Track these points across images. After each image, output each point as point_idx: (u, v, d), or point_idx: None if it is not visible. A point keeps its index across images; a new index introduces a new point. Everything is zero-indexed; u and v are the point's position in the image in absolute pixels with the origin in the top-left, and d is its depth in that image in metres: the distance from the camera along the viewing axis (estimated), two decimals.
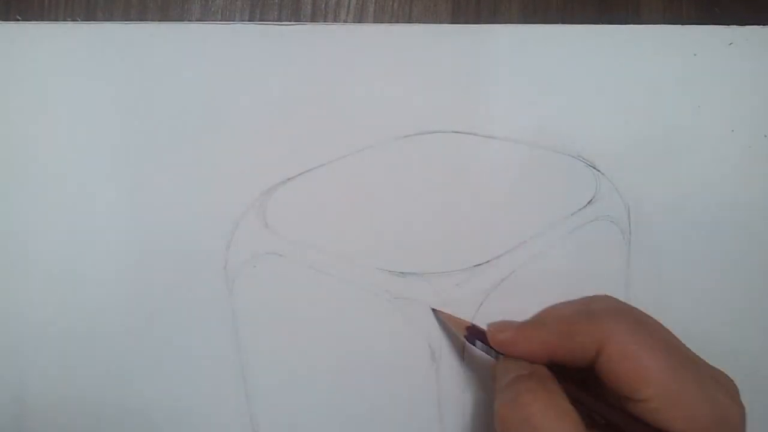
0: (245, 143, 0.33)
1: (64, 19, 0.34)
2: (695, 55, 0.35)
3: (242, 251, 0.32)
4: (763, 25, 0.35)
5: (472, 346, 0.30)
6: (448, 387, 0.32)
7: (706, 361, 0.27)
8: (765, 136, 0.34)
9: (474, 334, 0.30)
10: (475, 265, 0.32)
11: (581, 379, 0.27)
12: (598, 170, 0.34)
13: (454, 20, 0.35)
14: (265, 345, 0.32)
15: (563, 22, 0.35)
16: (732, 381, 0.27)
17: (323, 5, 0.35)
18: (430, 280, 0.32)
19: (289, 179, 0.33)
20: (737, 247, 0.34)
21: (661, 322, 0.33)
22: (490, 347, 0.29)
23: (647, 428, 0.25)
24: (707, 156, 0.34)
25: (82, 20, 0.34)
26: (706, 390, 0.25)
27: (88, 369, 0.33)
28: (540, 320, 0.29)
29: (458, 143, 0.34)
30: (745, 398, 0.26)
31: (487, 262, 0.33)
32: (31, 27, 0.34)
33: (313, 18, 0.35)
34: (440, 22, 0.35)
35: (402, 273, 0.32)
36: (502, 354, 0.28)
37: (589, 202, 0.33)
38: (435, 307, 0.32)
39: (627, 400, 0.25)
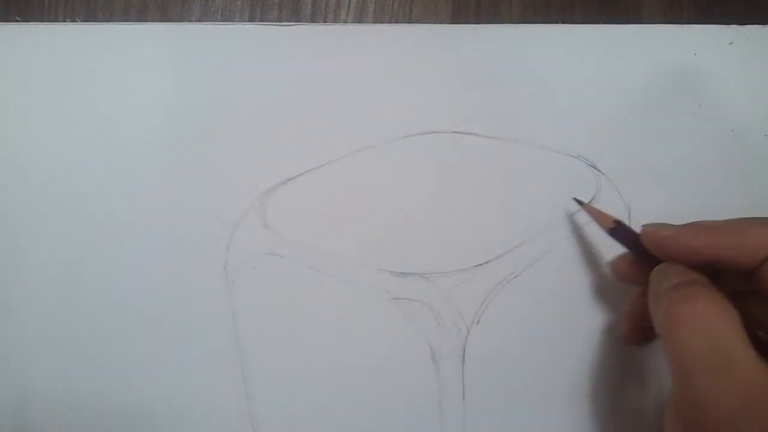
0: (245, 143, 0.33)
1: (64, 20, 0.34)
2: (695, 54, 0.35)
3: (242, 252, 0.32)
4: (764, 24, 0.35)
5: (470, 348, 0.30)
6: (448, 387, 0.32)
7: None
8: (765, 135, 0.34)
9: (621, 231, 0.29)
10: (475, 265, 0.32)
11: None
12: (598, 170, 0.34)
13: (454, 20, 0.35)
14: (265, 345, 0.32)
15: (564, 23, 0.35)
16: None
17: (323, 5, 0.35)
18: (430, 280, 0.32)
19: (288, 179, 0.33)
20: None
21: None
22: (641, 251, 0.28)
23: None
24: (707, 156, 0.34)
25: (81, 21, 0.34)
26: None
27: (88, 369, 0.33)
28: (703, 224, 0.27)
29: (458, 143, 0.34)
30: None
31: (487, 262, 0.33)
32: (30, 28, 0.34)
33: (313, 18, 0.35)
34: (440, 22, 0.35)
35: (402, 273, 0.32)
36: (654, 258, 0.28)
37: (589, 202, 0.33)
38: (578, 198, 0.32)
39: None
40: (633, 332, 0.31)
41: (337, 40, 0.34)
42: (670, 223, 0.28)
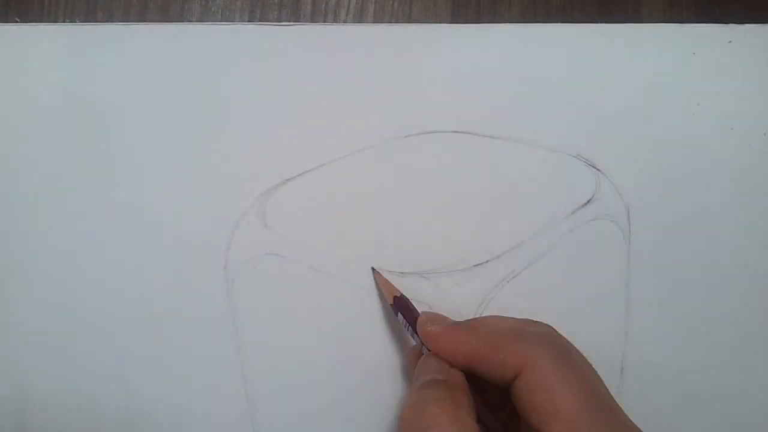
0: (245, 144, 0.33)
1: (64, 21, 0.34)
2: (694, 53, 0.35)
3: (242, 252, 0.32)
4: (762, 23, 0.35)
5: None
6: None
7: (629, 418, 0.26)
8: (764, 134, 0.34)
9: (400, 306, 0.30)
10: (474, 265, 0.32)
11: (499, 397, 0.27)
12: (598, 169, 0.34)
13: (454, 20, 0.35)
14: (265, 345, 0.32)
15: (563, 22, 0.35)
16: None
17: (323, 5, 0.35)
18: (430, 279, 0.32)
19: (288, 179, 0.33)
20: (737, 246, 0.34)
21: (663, 320, 0.33)
22: (416, 333, 0.29)
23: None
24: (707, 155, 0.34)
25: (81, 21, 0.34)
26: None
27: (89, 369, 0.33)
28: (472, 326, 0.28)
29: (458, 143, 0.34)
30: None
31: (487, 261, 0.33)
32: (30, 28, 0.34)
33: (313, 18, 0.35)
34: (440, 22, 0.35)
35: (402, 273, 0.32)
36: (424, 346, 0.28)
37: (588, 202, 0.33)
38: (375, 267, 0.32)
39: (533, 430, 0.25)
40: None
41: (337, 40, 0.34)
42: (448, 318, 0.29)
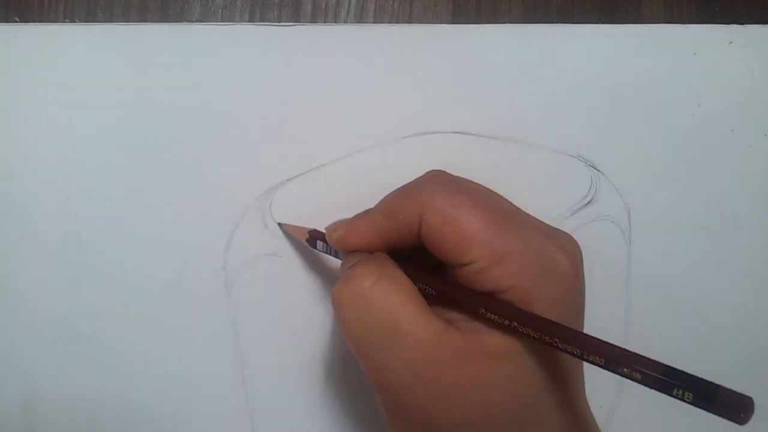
0: (244, 144, 0.33)
1: (64, 20, 0.34)
2: (695, 54, 0.35)
3: (241, 253, 0.32)
4: (763, 24, 0.35)
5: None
6: None
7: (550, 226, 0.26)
8: (765, 135, 0.34)
9: (315, 237, 0.30)
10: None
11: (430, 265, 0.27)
12: (598, 170, 0.34)
13: (454, 20, 0.35)
14: (265, 347, 0.32)
15: (563, 22, 0.35)
16: (571, 237, 0.26)
17: (323, 5, 0.35)
18: None
19: (288, 180, 0.33)
20: (737, 247, 0.34)
21: (663, 320, 0.33)
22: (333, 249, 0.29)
23: (472, 292, 0.24)
24: (707, 155, 0.34)
25: (81, 21, 0.34)
26: (530, 242, 0.24)
27: (89, 371, 0.32)
28: (370, 209, 0.28)
29: (457, 144, 0.34)
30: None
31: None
32: (30, 28, 0.34)
33: (313, 18, 0.35)
34: (440, 22, 0.35)
35: None
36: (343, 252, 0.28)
37: (589, 202, 0.33)
38: (280, 221, 0.32)
39: (457, 267, 0.24)
40: None
41: (337, 40, 0.34)
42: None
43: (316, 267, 0.33)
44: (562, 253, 0.25)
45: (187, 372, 0.32)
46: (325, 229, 0.29)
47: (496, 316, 0.23)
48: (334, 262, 0.32)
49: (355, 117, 0.33)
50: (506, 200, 0.27)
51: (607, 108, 0.34)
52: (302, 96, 0.33)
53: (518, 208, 0.26)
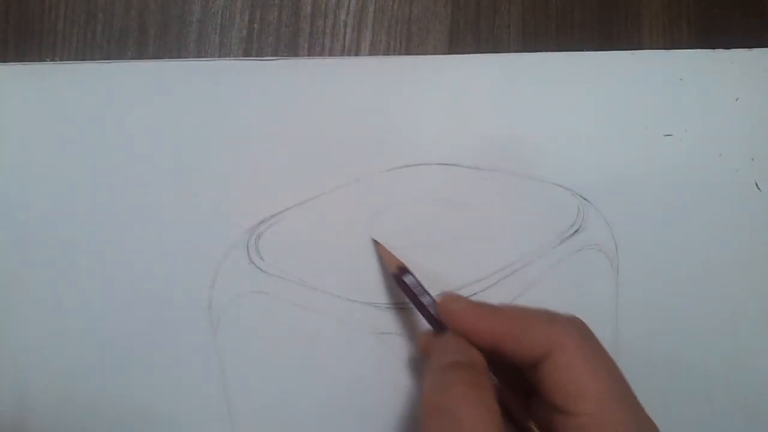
0: (228, 180, 0.33)
1: (63, 27, 0.34)
2: (681, 79, 0.34)
3: (227, 290, 0.32)
4: (755, 47, 0.35)
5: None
6: None
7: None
8: (752, 159, 0.34)
9: (402, 274, 0.29)
10: None
11: (513, 379, 0.27)
12: (585, 199, 0.34)
13: (454, 20, 0.35)
14: (252, 385, 0.32)
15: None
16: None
17: (323, 5, 0.35)
18: (418, 313, 0.32)
19: (272, 216, 0.33)
20: (726, 273, 0.34)
21: (652, 350, 0.33)
22: (432, 319, 0.28)
23: None
24: (695, 180, 0.34)
25: (81, 26, 0.34)
26: (637, 425, 0.25)
27: (76, 413, 0.32)
28: (497, 307, 0.28)
29: (444, 175, 0.33)
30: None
31: (474, 294, 0.32)
32: (16, 68, 0.34)
33: (313, 18, 0.35)
34: (440, 22, 0.35)
35: (388, 307, 0.32)
36: (440, 328, 0.28)
37: (576, 231, 0.33)
38: (374, 238, 0.32)
39: (556, 410, 0.25)
40: None
41: (320, 74, 0.33)
42: (469, 299, 0.29)
43: (303, 304, 0.32)
44: None
45: (174, 413, 0.32)
46: (443, 293, 0.29)
47: None
48: (319, 304, 0.31)
49: (338, 152, 0.33)
50: (625, 379, 0.26)
51: (593, 135, 0.34)
52: (285, 132, 0.33)
53: (631, 390, 0.26)
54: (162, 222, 0.32)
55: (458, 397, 0.24)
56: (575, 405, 0.24)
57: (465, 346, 0.27)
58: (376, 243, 0.32)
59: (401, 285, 0.30)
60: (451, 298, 0.28)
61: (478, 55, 0.35)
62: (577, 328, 0.26)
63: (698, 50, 0.35)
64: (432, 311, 0.29)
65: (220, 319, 0.32)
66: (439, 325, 0.28)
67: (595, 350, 0.26)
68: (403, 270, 0.30)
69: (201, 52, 0.35)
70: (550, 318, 0.27)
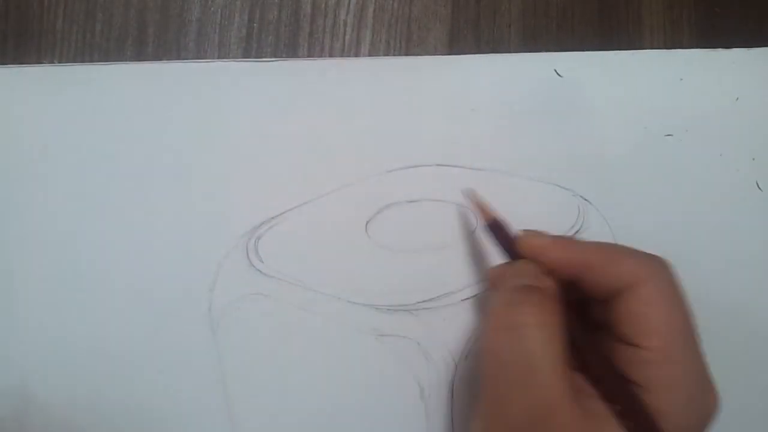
0: (228, 182, 0.33)
1: (62, 27, 0.34)
2: (681, 79, 0.34)
3: (226, 293, 0.32)
4: (754, 47, 0.34)
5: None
6: (436, 425, 0.32)
7: None
8: (753, 159, 0.34)
9: (495, 229, 0.29)
10: (462, 300, 0.32)
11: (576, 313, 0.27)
12: (585, 199, 0.33)
13: (454, 20, 0.35)
14: (252, 388, 0.32)
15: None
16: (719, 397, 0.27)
17: (323, 4, 0.35)
18: (418, 315, 0.32)
19: (272, 218, 0.33)
20: (727, 273, 0.34)
21: None
22: (513, 252, 0.28)
23: (622, 386, 0.25)
24: (696, 180, 0.34)
25: (80, 27, 0.34)
26: (703, 374, 0.25)
27: (77, 406, 0.32)
28: (578, 240, 0.28)
29: (446, 176, 0.33)
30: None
31: (474, 296, 0.32)
32: (19, 70, 0.34)
33: (313, 17, 0.35)
34: (440, 21, 0.35)
35: (389, 309, 0.32)
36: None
37: (576, 232, 0.33)
38: (465, 190, 0.31)
39: (624, 341, 0.25)
40: None
41: (318, 76, 0.33)
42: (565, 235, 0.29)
43: (303, 306, 0.32)
44: (715, 409, 0.25)
45: (175, 416, 0.32)
46: (524, 230, 0.29)
47: (626, 423, 0.24)
48: (319, 306, 0.31)
49: (338, 153, 0.33)
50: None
51: (593, 135, 0.34)
52: (285, 133, 0.33)
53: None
54: (161, 225, 0.32)
55: (527, 314, 0.25)
56: (646, 339, 0.24)
57: (538, 272, 0.27)
58: (469, 193, 0.31)
59: (493, 232, 0.29)
60: (533, 232, 0.28)
61: (478, 55, 0.35)
62: (663, 266, 0.26)
63: (698, 50, 0.35)
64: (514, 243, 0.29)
65: (221, 321, 0.32)
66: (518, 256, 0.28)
67: (675, 291, 0.26)
68: (496, 221, 0.30)
69: (200, 52, 0.35)
70: (637, 252, 0.27)
